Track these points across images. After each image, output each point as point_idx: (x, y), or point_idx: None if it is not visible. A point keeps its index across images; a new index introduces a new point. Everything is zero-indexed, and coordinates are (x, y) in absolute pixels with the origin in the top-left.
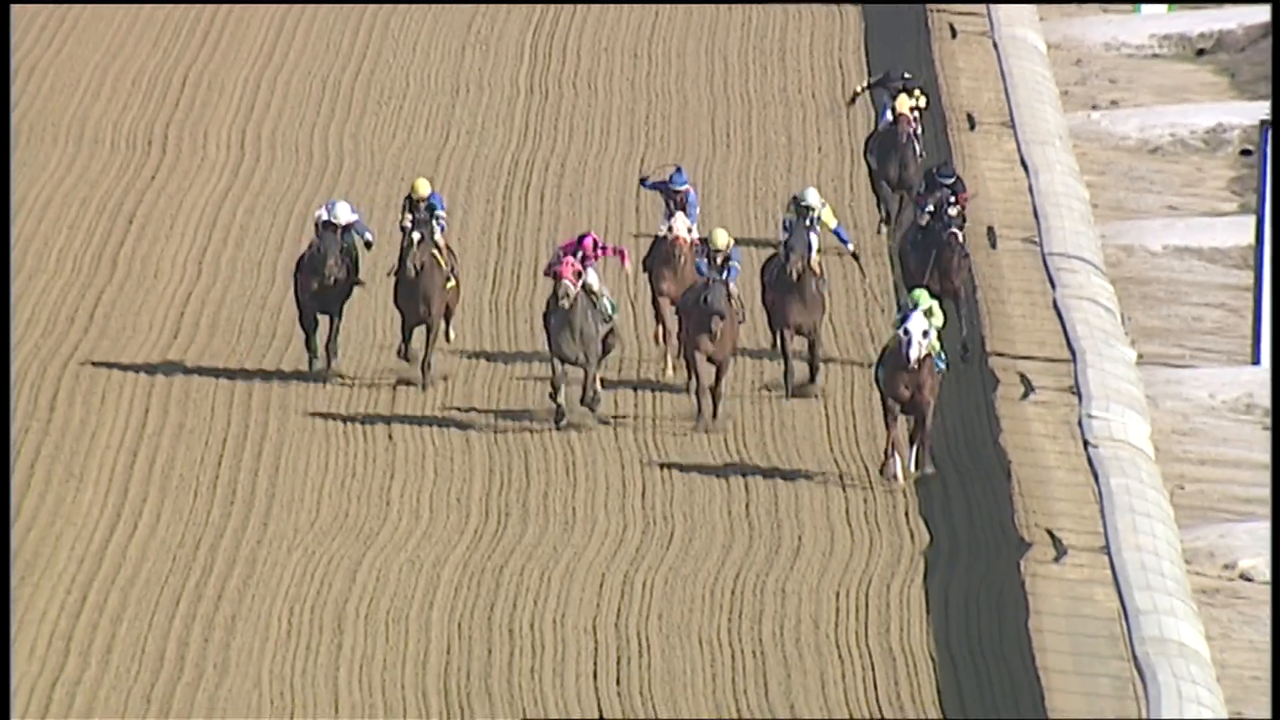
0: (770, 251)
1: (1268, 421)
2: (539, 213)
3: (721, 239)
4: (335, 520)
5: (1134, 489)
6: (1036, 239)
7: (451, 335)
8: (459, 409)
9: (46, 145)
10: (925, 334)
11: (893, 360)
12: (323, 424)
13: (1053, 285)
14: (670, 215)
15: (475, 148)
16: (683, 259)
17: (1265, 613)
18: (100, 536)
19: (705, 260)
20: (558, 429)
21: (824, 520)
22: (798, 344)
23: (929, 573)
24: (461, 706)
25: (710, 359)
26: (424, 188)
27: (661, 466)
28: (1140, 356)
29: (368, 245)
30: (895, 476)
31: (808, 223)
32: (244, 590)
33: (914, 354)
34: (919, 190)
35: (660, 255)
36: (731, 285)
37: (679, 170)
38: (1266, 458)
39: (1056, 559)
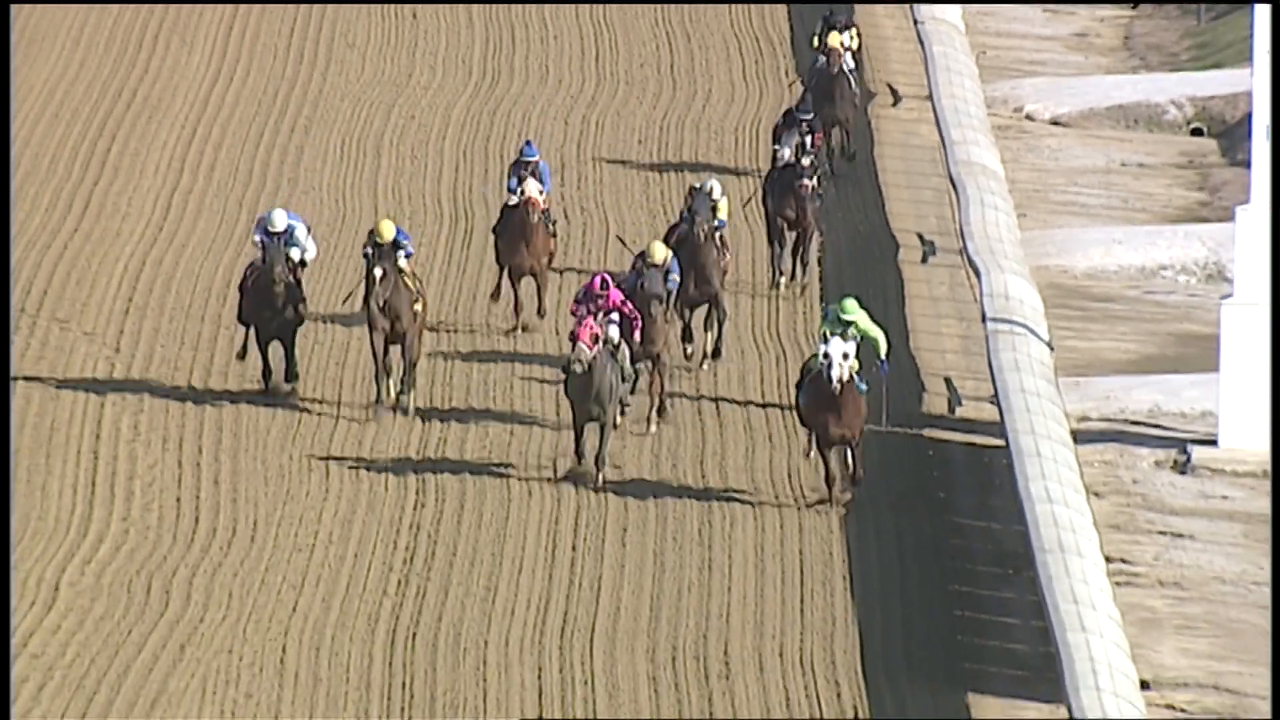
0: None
1: (1049, 6)
2: None
3: (659, 253)
4: (375, 77)
5: (950, 55)
6: None
7: (410, 407)
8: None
9: None
10: (846, 356)
11: (813, 388)
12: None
13: None
14: (520, 183)
15: None
16: (536, 223)
17: (1045, 144)
18: (205, 88)
19: (636, 275)
20: (594, 484)
21: None
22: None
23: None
24: (465, 210)
25: (647, 354)
26: (389, 230)
27: None
28: None
29: (302, 264)
30: (835, 499)
31: (705, 200)
32: (309, 127)
33: (835, 374)
34: (778, 124)
35: (512, 224)
36: (670, 286)
37: (529, 143)
38: (1047, 31)
39: (894, 104)
